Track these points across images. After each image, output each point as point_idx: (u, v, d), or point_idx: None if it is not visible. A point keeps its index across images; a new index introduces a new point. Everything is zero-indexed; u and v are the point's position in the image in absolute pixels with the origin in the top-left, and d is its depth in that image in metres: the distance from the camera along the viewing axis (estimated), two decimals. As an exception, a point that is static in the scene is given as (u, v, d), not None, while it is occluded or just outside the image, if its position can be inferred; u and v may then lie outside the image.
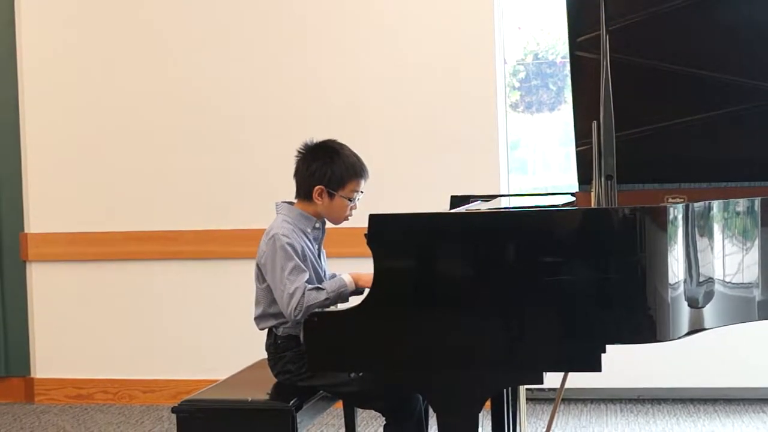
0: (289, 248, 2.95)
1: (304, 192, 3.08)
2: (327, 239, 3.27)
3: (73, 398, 5.14)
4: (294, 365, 3.01)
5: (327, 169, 3.04)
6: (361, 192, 3.11)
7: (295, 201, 3.12)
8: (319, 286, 2.94)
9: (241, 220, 4.86)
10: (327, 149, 3.09)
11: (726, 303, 2.65)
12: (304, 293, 2.88)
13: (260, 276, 3.05)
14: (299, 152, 3.12)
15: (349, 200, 3.06)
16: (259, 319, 3.08)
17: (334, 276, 3.21)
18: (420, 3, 4.77)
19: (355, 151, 3.16)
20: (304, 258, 2.98)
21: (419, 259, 2.52)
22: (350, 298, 2.96)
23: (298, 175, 3.11)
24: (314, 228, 3.10)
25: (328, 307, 2.91)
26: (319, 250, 3.14)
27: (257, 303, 3.07)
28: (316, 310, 2.84)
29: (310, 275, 2.99)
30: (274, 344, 3.06)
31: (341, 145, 3.11)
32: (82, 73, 5.09)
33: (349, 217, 3.11)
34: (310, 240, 3.07)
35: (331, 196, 3.04)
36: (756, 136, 3.22)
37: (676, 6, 3.10)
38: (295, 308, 2.88)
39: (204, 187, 4.97)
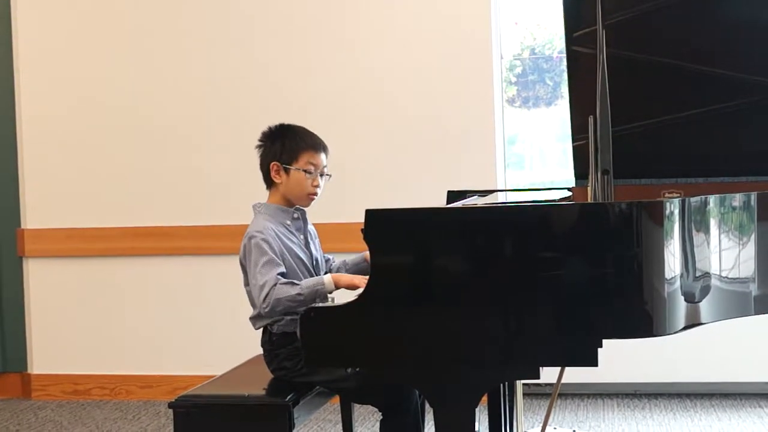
0: (263, 244, 2.96)
1: (265, 176, 3.12)
2: (324, 236, 3.28)
3: (70, 394, 5.14)
4: (290, 362, 3.01)
5: (278, 144, 3.08)
6: (327, 174, 3.11)
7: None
8: (294, 281, 2.93)
9: (238, 216, 4.83)
10: (279, 128, 3.13)
11: (722, 298, 2.65)
12: (274, 285, 2.89)
13: (245, 277, 3.06)
14: (258, 141, 3.15)
15: (306, 173, 3.05)
16: (254, 319, 3.08)
17: (328, 260, 3.22)
18: (417, -2, 4.77)
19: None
20: (282, 253, 2.99)
21: (416, 254, 2.51)
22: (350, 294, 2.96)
23: (260, 161, 3.14)
24: (293, 219, 3.10)
25: (302, 304, 2.88)
26: (305, 239, 3.13)
27: (251, 303, 3.08)
28: (316, 305, 2.84)
29: (291, 269, 3.00)
30: (269, 341, 3.07)
31: (295, 125, 3.14)
32: (79, 69, 5.08)
33: (314, 197, 3.10)
34: (292, 231, 3.08)
35: (287, 171, 3.05)
36: (752, 131, 3.23)
37: (672, 1, 3.10)
38: (264, 300, 2.89)
39: (201, 183, 4.97)
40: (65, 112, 5.10)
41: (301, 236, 3.12)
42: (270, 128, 3.15)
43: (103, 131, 5.07)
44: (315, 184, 3.08)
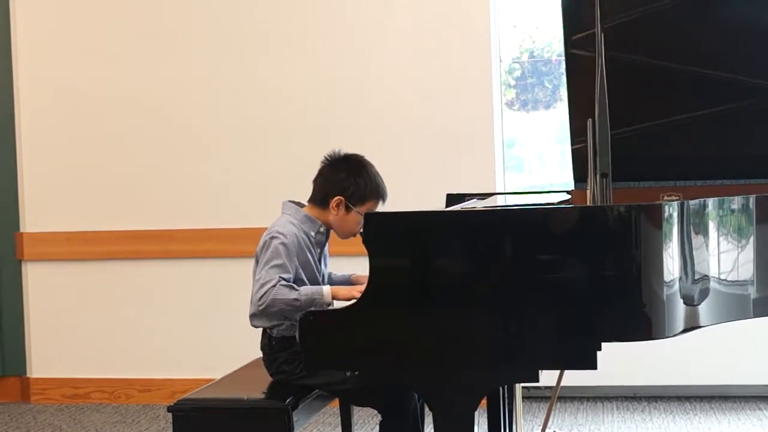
0: (281, 248, 2.96)
1: (321, 198, 3.08)
2: (324, 238, 3.28)
3: (70, 398, 5.13)
4: (289, 366, 3.01)
5: (352, 182, 3.05)
6: None
7: (305, 204, 3.12)
8: (294, 286, 2.94)
9: (238, 219, 4.86)
10: (356, 162, 3.10)
11: (721, 300, 2.66)
12: (274, 285, 2.89)
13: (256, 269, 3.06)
14: (326, 159, 3.12)
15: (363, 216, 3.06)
16: (253, 316, 3.08)
17: (330, 275, 3.22)
18: (416, 2, 4.76)
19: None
20: (296, 263, 2.99)
21: (415, 257, 2.52)
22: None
23: (320, 180, 3.11)
24: (318, 232, 3.10)
25: (297, 310, 2.87)
26: (320, 254, 3.13)
27: (252, 299, 3.07)
28: (313, 309, 2.85)
29: (298, 277, 3.00)
30: (268, 345, 3.07)
31: (369, 162, 3.13)
32: (79, 72, 5.08)
33: (356, 235, 3.10)
34: (312, 244, 3.07)
35: (348, 209, 3.05)
36: (750, 134, 3.23)
37: (671, 3, 3.10)
38: (261, 297, 2.90)
39: (200, 186, 4.97)
40: (64, 115, 5.10)
41: (318, 251, 3.12)
42: (346, 156, 3.11)
43: (102, 135, 5.07)
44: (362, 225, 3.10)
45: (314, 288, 2.96)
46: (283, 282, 2.92)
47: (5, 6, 5.11)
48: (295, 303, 2.89)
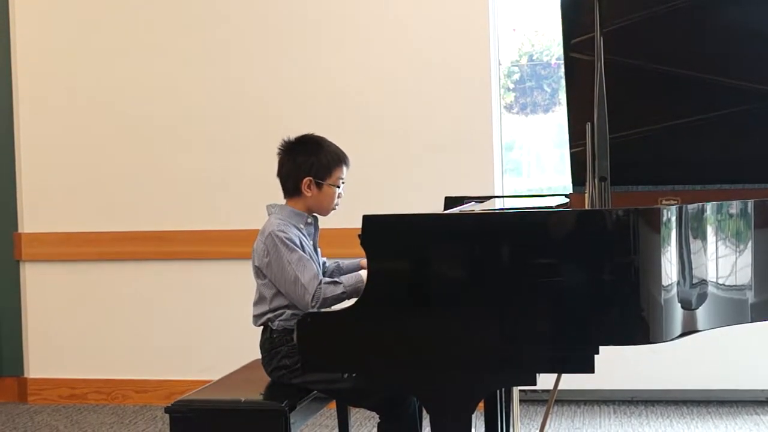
0: (288, 241, 3.00)
1: (292, 186, 3.13)
2: (322, 240, 3.28)
3: (67, 398, 5.13)
4: (290, 360, 3.02)
5: (313, 160, 3.11)
6: (343, 180, 3.17)
7: (284, 201, 3.14)
8: (336, 279, 2.99)
9: (236, 220, 4.86)
10: (309, 142, 3.16)
11: (719, 305, 2.66)
12: (320, 284, 2.94)
13: (260, 273, 3.06)
14: (281, 149, 3.17)
15: (337, 188, 3.11)
16: (257, 316, 3.09)
17: (325, 263, 3.24)
18: (415, 5, 4.77)
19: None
20: (302, 249, 3.02)
21: (413, 260, 2.52)
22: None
23: (284, 171, 3.16)
24: (307, 223, 3.13)
25: (342, 301, 2.94)
26: (314, 246, 3.15)
27: (260, 299, 3.09)
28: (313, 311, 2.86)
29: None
30: (269, 339, 3.07)
31: (320, 137, 3.19)
32: (77, 73, 5.08)
33: (337, 207, 3.16)
34: (304, 235, 3.10)
35: (319, 186, 3.10)
36: (749, 138, 3.23)
37: (670, 8, 3.11)
38: (312, 299, 2.93)
39: (198, 188, 4.97)
40: (62, 115, 5.10)
41: (311, 242, 3.14)
42: (297, 140, 3.17)
43: (100, 136, 5.07)
44: (340, 196, 3.16)
45: (354, 276, 3.00)
46: (326, 279, 2.97)
47: (5, 7, 5.11)
48: (343, 296, 2.95)
